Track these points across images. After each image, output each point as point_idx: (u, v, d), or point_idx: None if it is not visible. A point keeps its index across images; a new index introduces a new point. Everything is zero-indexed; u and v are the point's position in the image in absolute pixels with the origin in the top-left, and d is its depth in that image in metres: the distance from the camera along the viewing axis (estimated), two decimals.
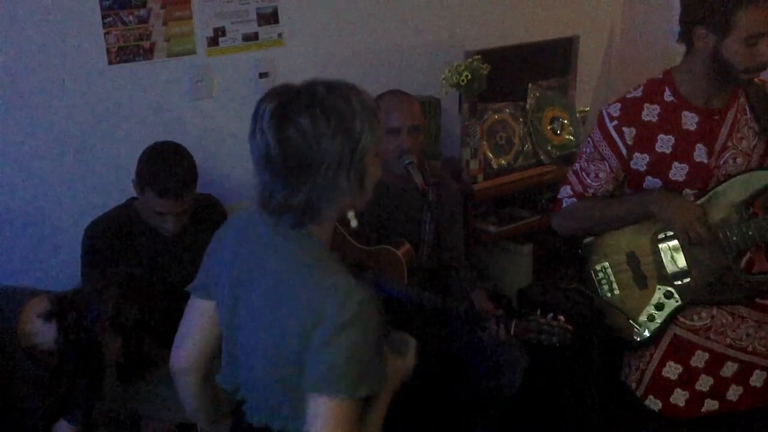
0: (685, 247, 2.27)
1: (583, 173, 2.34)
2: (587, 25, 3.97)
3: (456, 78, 3.24)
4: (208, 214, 2.74)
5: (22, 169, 2.76)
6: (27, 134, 2.74)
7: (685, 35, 2.18)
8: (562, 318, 2.38)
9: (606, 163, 2.30)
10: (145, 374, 2.58)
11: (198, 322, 1.76)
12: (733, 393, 2.34)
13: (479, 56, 3.30)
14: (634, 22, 4.01)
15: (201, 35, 2.98)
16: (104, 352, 2.19)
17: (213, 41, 3.01)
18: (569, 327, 2.36)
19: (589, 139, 2.35)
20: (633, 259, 2.33)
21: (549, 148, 3.65)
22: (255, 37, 3.10)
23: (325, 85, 1.52)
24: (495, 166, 3.50)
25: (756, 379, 2.34)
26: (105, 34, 2.76)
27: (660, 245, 2.31)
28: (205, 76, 3.01)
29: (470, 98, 3.35)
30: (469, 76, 3.23)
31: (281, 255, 1.56)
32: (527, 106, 3.65)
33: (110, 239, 2.62)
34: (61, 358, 2.11)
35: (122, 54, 2.81)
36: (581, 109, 3.87)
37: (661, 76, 2.29)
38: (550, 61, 3.77)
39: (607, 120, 2.28)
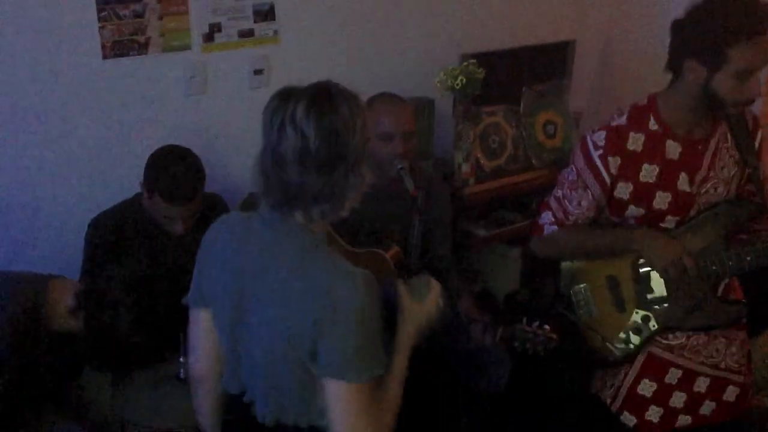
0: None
1: (566, 201, 2.32)
2: (583, 29, 3.97)
3: (451, 81, 3.24)
4: (214, 215, 2.73)
5: (17, 160, 2.76)
6: (21, 127, 2.73)
7: (674, 65, 2.15)
8: (547, 327, 2.40)
9: (589, 192, 2.27)
10: (133, 373, 2.60)
11: (202, 332, 1.80)
12: (707, 408, 2.37)
13: (475, 60, 3.30)
14: (629, 27, 4.01)
15: (197, 31, 2.97)
16: (124, 346, 2.36)
17: (208, 37, 3.00)
18: (554, 336, 2.38)
19: (572, 166, 2.32)
20: (613, 283, 2.34)
21: (541, 152, 3.66)
22: (251, 33, 3.09)
23: (336, 85, 1.60)
24: (487, 170, 3.51)
25: (729, 395, 2.37)
26: (100, 28, 2.76)
27: (641, 270, 2.31)
28: (199, 71, 3.01)
29: (464, 101, 3.35)
30: (464, 81, 3.23)
31: (289, 250, 1.61)
32: (521, 110, 3.65)
33: (114, 235, 2.64)
34: (78, 341, 2.27)
35: (117, 48, 2.81)
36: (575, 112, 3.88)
37: (645, 101, 2.26)
38: (545, 64, 3.77)
39: (591, 148, 2.25)
